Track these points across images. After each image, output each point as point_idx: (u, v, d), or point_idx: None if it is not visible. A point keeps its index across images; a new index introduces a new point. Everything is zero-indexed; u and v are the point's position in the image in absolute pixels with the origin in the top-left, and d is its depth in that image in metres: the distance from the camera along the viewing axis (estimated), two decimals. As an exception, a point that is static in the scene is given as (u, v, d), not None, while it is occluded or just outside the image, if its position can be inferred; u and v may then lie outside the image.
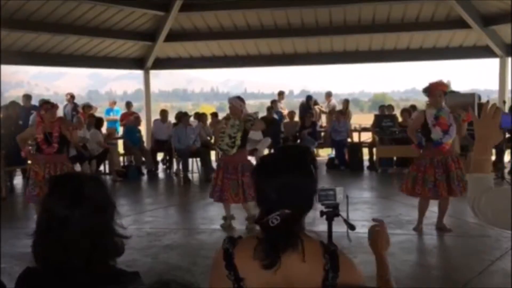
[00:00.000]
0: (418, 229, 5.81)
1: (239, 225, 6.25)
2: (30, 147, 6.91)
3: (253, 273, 1.48)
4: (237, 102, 6.06)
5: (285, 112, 12.34)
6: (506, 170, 9.68)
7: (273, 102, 12.15)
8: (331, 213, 1.95)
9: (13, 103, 10.16)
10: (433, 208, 6.98)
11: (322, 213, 1.92)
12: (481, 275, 4.38)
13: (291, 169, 1.52)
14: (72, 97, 11.53)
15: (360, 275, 1.52)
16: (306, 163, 1.56)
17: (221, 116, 12.27)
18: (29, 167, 6.26)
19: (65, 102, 11.65)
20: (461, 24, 10.99)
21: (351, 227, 1.93)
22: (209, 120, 11.37)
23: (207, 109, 21.15)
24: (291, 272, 1.46)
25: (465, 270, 4.56)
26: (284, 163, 1.54)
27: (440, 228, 5.86)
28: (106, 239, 1.49)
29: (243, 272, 1.50)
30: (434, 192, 5.61)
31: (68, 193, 1.47)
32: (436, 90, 5.55)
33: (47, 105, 6.02)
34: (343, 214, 1.91)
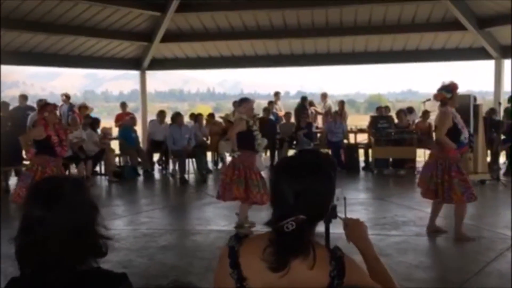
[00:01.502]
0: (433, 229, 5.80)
1: (225, 223, 6.24)
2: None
3: (257, 274, 1.47)
4: (247, 103, 6.15)
5: (281, 113, 12.34)
6: (501, 172, 9.72)
7: (270, 103, 12.15)
8: (329, 215, 1.95)
9: (4, 104, 10.13)
10: (428, 209, 7.00)
11: None
12: (477, 276, 4.39)
13: (312, 175, 1.50)
14: (67, 97, 11.49)
15: (366, 279, 1.51)
16: (327, 169, 1.54)
17: (217, 116, 12.33)
18: (29, 167, 6.16)
19: (61, 102, 11.59)
20: (456, 25, 11.04)
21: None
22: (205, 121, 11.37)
23: (204, 109, 21.11)
24: (297, 278, 1.45)
25: (460, 271, 4.57)
26: (305, 168, 1.52)
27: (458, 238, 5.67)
28: (85, 240, 1.47)
29: (247, 271, 1.48)
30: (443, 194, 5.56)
31: (44, 194, 1.48)
32: (456, 89, 5.45)
33: (51, 107, 6.00)
34: (341, 215, 1.91)
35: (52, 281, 1.43)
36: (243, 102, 6.14)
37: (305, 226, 1.45)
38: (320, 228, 1.66)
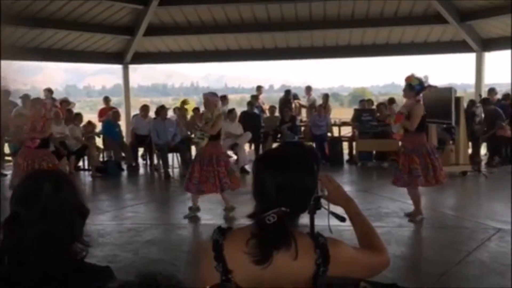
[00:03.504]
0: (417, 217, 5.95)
1: (209, 217, 6.27)
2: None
3: (242, 266, 1.47)
4: (212, 97, 6.33)
5: (266, 106, 12.35)
6: (483, 163, 9.87)
7: (253, 97, 12.12)
8: (313, 206, 1.96)
9: None
10: (410, 200, 7.11)
11: None
12: (458, 266, 4.47)
13: (295, 169, 1.51)
14: (50, 92, 11.35)
15: (350, 256, 1.52)
16: (309, 162, 1.55)
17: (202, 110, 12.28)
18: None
19: (43, 97, 11.45)
20: (438, 19, 11.15)
21: (341, 218, 1.91)
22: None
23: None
24: (281, 269, 1.46)
25: (442, 261, 4.64)
26: (288, 161, 1.52)
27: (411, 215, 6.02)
28: (60, 243, 1.46)
29: (231, 264, 1.49)
30: (394, 179, 5.94)
31: (24, 192, 1.48)
32: (405, 83, 5.73)
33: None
34: (325, 206, 1.92)
35: (31, 278, 1.42)
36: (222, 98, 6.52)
37: (287, 218, 1.46)
38: (306, 219, 1.68)
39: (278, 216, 1.45)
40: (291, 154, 1.57)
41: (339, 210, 1.70)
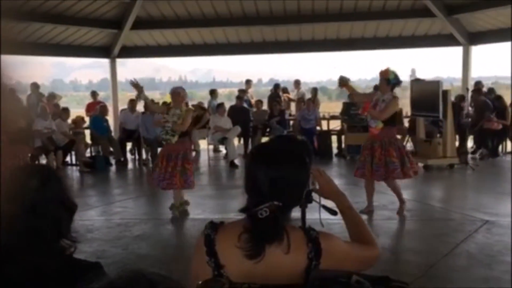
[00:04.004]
0: (366, 211, 5.95)
1: (199, 211, 6.26)
2: None
3: (235, 261, 1.46)
4: (182, 91, 6.26)
5: (253, 100, 12.34)
6: (469, 156, 9.97)
7: (241, 91, 12.09)
8: (305, 200, 1.96)
9: None
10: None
11: None
12: (446, 258, 4.51)
13: (287, 163, 1.50)
14: (36, 86, 11.23)
15: (342, 250, 1.53)
16: (301, 156, 1.54)
17: (190, 104, 12.24)
18: None
19: (29, 92, 11.33)
20: (426, 12, 11.20)
21: (332, 212, 1.91)
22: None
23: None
24: (274, 263, 1.45)
25: (430, 253, 4.69)
26: (280, 155, 1.51)
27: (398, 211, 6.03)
28: (45, 239, 1.45)
29: (224, 259, 1.47)
30: (361, 172, 5.89)
31: (7, 187, 1.46)
32: (380, 77, 5.72)
33: None
34: (316, 200, 1.93)
35: (19, 275, 1.41)
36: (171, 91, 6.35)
37: (279, 212, 1.46)
38: (297, 213, 1.68)
39: (270, 210, 1.45)
40: (283, 148, 1.57)
41: (331, 204, 1.70)
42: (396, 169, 5.68)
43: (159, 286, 0.74)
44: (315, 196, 1.78)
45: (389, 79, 5.65)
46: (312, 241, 1.48)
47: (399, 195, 5.98)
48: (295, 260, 1.46)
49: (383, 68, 5.77)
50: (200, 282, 1.28)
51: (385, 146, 5.71)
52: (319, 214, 1.84)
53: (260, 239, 1.44)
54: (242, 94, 11.88)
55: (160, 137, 9.99)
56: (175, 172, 5.95)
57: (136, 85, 6.13)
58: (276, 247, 1.44)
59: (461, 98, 10.30)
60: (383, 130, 5.72)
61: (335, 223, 1.74)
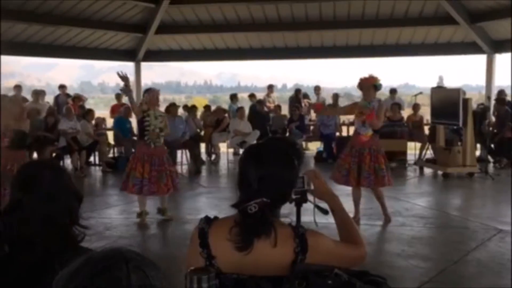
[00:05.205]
0: (355, 219, 5.73)
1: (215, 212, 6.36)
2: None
3: (225, 253, 1.57)
4: (158, 93, 6.07)
5: (271, 105, 12.45)
6: (490, 165, 9.86)
7: (259, 103, 12.03)
8: (300, 199, 2.06)
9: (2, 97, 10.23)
10: (415, 200, 7.17)
11: (291, 200, 2.02)
12: (456, 265, 4.52)
13: (275, 162, 1.61)
14: (64, 88, 11.70)
15: (328, 247, 1.61)
16: (290, 157, 1.64)
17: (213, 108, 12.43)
18: None
19: (58, 92, 11.78)
20: (448, 20, 11.14)
21: (324, 211, 2.00)
22: (199, 113, 11.46)
23: (200, 101, 21.18)
24: (262, 256, 1.56)
25: (441, 259, 4.70)
26: (269, 155, 1.63)
27: (385, 215, 6.00)
28: (58, 226, 1.56)
29: (215, 251, 1.59)
30: (346, 179, 5.77)
31: (23, 179, 1.60)
32: (366, 84, 5.69)
33: None
34: (311, 200, 2.02)
35: (29, 262, 1.53)
36: (146, 92, 6.09)
37: (267, 208, 1.56)
38: (286, 210, 1.77)
39: (259, 206, 1.55)
40: (273, 148, 1.68)
41: (324, 206, 1.79)
42: (384, 177, 5.71)
43: (131, 262, 0.84)
44: (309, 196, 1.88)
45: (376, 85, 5.71)
46: (299, 237, 1.58)
47: (384, 204, 5.98)
48: (282, 254, 1.56)
49: (366, 75, 5.76)
50: (189, 270, 1.39)
51: (374, 153, 5.73)
52: (314, 214, 1.94)
53: (249, 232, 1.55)
54: (264, 98, 12.03)
55: (181, 139, 10.23)
56: (163, 176, 5.83)
57: (124, 77, 5.72)
58: (264, 240, 1.55)
59: (485, 109, 10.19)
60: (371, 138, 5.73)
61: (333, 226, 1.80)
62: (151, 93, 5.95)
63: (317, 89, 13.33)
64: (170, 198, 7.96)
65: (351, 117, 12.43)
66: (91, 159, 10.56)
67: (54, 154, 9.54)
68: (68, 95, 11.56)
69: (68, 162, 9.85)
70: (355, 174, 5.71)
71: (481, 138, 9.82)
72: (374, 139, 5.78)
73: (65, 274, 0.86)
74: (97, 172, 10.13)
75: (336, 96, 12.69)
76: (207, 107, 12.27)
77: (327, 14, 11.62)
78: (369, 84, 5.68)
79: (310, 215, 1.88)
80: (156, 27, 11.99)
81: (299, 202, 2.05)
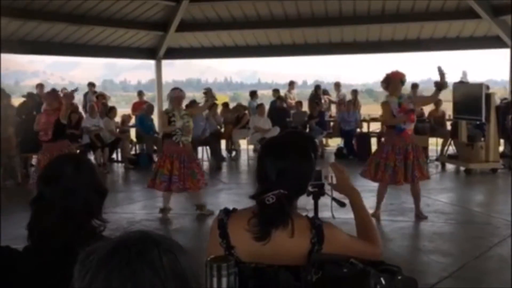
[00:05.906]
0: (376, 215, 5.75)
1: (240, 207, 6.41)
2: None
3: (244, 243, 1.63)
4: (182, 96, 6.24)
5: (292, 101, 12.47)
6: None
7: (279, 99, 12.07)
8: (317, 193, 2.10)
9: (31, 94, 10.51)
10: (437, 196, 7.12)
11: (309, 193, 2.07)
12: (477, 260, 4.50)
13: (294, 155, 1.66)
14: (92, 86, 12.08)
15: (344, 241, 1.65)
16: (307, 150, 1.69)
17: (232, 105, 12.52)
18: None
19: (86, 90, 12.13)
20: (471, 14, 10.97)
21: (341, 204, 2.03)
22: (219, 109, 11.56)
23: (221, 99, 21.25)
24: (279, 246, 1.60)
25: (462, 255, 4.69)
26: (287, 148, 1.68)
27: (417, 215, 5.92)
28: (77, 219, 1.62)
29: (234, 241, 1.65)
30: (393, 178, 5.72)
31: (46, 171, 1.67)
32: (395, 79, 5.67)
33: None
34: (329, 193, 2.05)
35: (54, 250, 1.59)
36: (172, 91, 6.26)
37: (285, 200, 1.61)
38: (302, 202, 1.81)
39: (276, 198, 1.60)
40: (290, 142, 1.73)
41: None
42: (426, 170, 5.79)
43: (161, 245, 0.86)
44: (327, 189, 1.92)
45: (402, 81, 5.71)
46: (316, 228, 1.62)
47: (419, 201, 5.95)
48: (299, 244, 1.60)
49: (391, 71, 5.73)
50: (209, 258, 1.44)
51: (415, 148, 5.73)
52: (331, 207, 1.98)
53: (266, 223, 1.60)
54: (284, 95, 12.06)
55: (201, 136, 10.32)
56: (192, 173, 6.00)
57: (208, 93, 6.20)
58: (282, 231, 1.60)
59: (507, 101, 10.03)
60: (411, 133, 5.77)
61: (351, 220, 1.83)
62: (176, 93, 6.15)
63: (337, 85, 13.30)
64: (191, 194, 8.09)
65: (375, 113, 12.42)
66: (114, 156, 10.73)
67: (78, 151, 9.72)
68: (95, 93, 11.85)
69: (91, 158, 10.04)
70: (403, 171, 5.66)
71: (505, 134, 9.67)
72: (413, 134, 5.87)
73: (95, 260, 0.85)
74: (119, 168, 10.30)
75: (355, 93, 12.64)
76: (225, 105, 12.35)
77: (347, 9, 11.56)
78: (397, 79, 5.67)
79: (328, 210, 1.92)
80: (176, 25, 12.09)
81: (317, 195, 2.10)
